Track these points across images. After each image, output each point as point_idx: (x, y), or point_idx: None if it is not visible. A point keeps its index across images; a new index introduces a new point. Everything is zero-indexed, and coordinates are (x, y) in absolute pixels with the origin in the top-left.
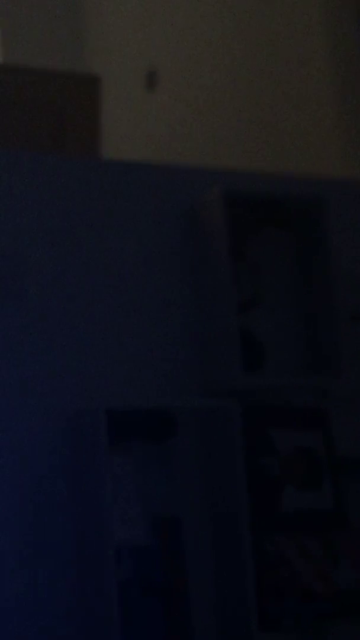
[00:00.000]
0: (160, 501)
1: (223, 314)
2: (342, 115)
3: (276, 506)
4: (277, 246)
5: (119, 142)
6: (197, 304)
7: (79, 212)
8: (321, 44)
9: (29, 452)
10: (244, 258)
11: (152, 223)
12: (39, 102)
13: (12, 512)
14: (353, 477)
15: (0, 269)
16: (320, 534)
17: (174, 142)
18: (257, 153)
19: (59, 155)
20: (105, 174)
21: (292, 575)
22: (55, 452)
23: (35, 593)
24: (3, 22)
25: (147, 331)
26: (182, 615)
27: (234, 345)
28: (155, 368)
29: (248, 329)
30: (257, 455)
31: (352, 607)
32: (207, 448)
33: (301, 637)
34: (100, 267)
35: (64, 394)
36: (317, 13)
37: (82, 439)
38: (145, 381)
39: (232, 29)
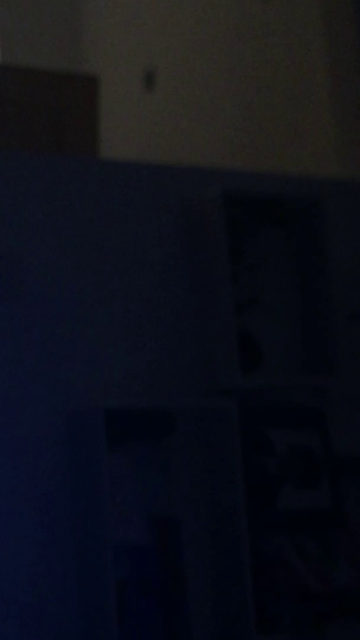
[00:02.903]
0: (159, 501)
1: (221, 314)
2: (342, 115)
3: (274, 506)
4: (276, 246)
5: (117, 142)
6: (195, 303)
7: (78, 211)
8: (321, 44)
9: (28, 451)
10: (242, 258)
11: (151, 222)
12: (37, 102)
13: (11, 512)
14: (351, 476)
15: (0, 269)
16: (318, 533)
17: (173, 141)
18: (256, 152)
19: (57, 155)
20: (103, 173)
21: (290, 575)
22: (54, 451)
23: (33, 592)
24: (2, 22)
25: (145, 331)
26: (180, 615)
27: (232, 345)
28: (154, 368)
29: (246, 329)
30: (255, 455)
31: (350, 606)
32: (205, 448)
33: (299, 637)
34: (99, 266)
35: (62, 394)
36: (317, 13)
37: (80, 439)
38: (144, 381)
39: (231, 29)
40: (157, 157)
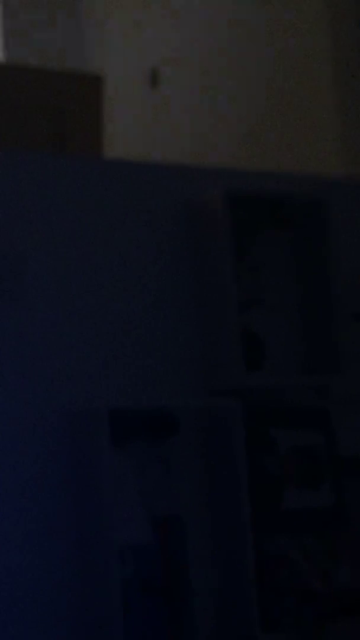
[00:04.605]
0: (162, 500)
1: (224, 314)
2: (342, 115)
3: (277, 505)
4: (279, 245)
5: (121, 141)
6: (199, 303)
7: (81, 211)
8: (322, 44)
9: (31, 452)
10: (244, 257)
11: (154, 222)
12: (41, 102)
13: (14, 512)
14: (353, 475)
15: (0, 269)
16: (320, 532)
17: (177, 141)
18: (259, 152)
19: (60, 154)
20: (107, 173)
21: (292, 574)
22: (57, 452)
23: (37, 593)
24: (3, 22)
25: (148, 331)
26: (183, 614)
27: (236, 345)
28: (157, 368)
29: (249, 329)
30: (258, 455)
31: (352, 605)
32: (209, 447)
33: (302, 636)
34: (100, 266)
35: (65, 395)
36: (320, 13)
37: (84, 439)
38: (147, 381)
39: (235, 28)
40: (161, 156)
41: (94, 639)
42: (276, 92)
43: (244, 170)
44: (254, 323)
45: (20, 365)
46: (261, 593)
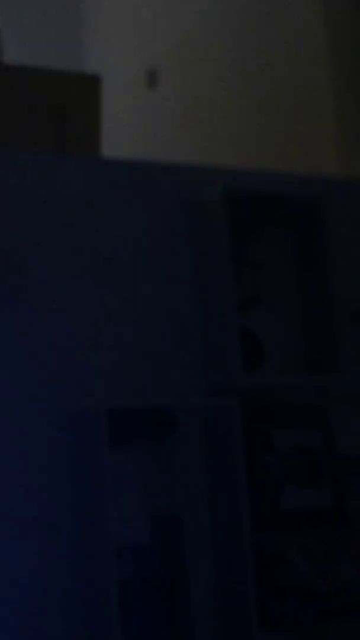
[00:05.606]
0: (161, 500)
1: (223, 313)
2: (342, 115)
3: (277, 505)
4: (278, 245)
5: (119, 141)
6: (198, 302)
7: (79, 211)
8: (323, 44)
9: (30, 451)
10: (244, 257)
11: (152, 221)
12: (39, 102)
13: (12, 511)
14: (353, 475)
15: (0, 269)
16: (320, 532)
17: (175, 140)
18: (258, 151)
19: (58, 154)
20: (105, 172)
21: (292, 574)
22: (56, 451)
23: (35, 592)
24: (2, 22)
25: (147, 330)
26: (182, 614)
27: (234, 344)
28: (156, 367)
29: (248, 328)
30: (257, 454)
31: (352, 605)
32: (208, 447)
33: (302, 636)
34: (100, 266)
35: (63, 393)
36: (319, 13)
37: (82, 438)
38: (146, 380)
39: (233, 27)
40: (159, 156)
41: (93, 639)
42: (276, 91)
43: (243, 170)
44: (253, 322)
45: (19, 364)
46: (260, 593)
